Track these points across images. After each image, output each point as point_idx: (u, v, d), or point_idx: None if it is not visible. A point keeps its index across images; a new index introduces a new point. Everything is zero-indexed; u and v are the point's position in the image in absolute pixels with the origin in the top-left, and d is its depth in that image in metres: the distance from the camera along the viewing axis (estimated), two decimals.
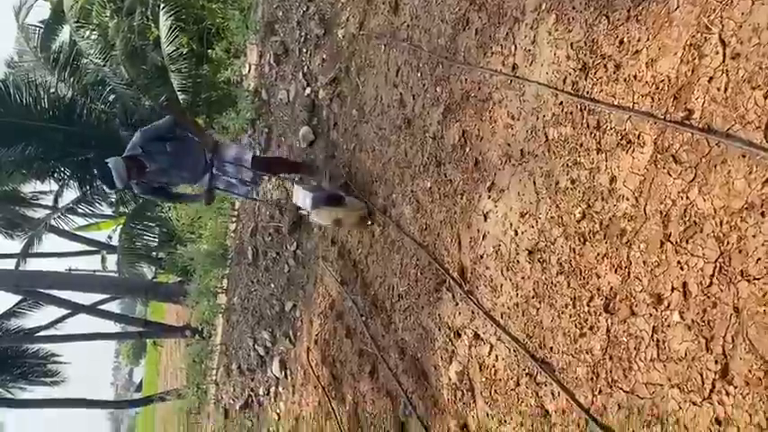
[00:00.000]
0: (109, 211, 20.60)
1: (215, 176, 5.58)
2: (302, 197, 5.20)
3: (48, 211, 15.35)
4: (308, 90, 6.59)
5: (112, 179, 4.86)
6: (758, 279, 1.89)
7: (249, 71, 9.17)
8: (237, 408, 8.23)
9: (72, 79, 12.11)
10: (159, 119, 5.56)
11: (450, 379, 3.55)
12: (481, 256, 3.43)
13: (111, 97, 12.12)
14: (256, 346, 7.58)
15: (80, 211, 14.58)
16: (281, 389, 6.93)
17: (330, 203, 5.03)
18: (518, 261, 3.09)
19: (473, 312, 3.42)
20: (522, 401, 2.93)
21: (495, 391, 3.11)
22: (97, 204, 14.83)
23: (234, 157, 5.62)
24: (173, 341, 19.95)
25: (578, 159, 2.74)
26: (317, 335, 6.02)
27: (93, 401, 18.40)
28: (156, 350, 27.52)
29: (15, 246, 16.06)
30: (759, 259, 1.89)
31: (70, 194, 14.36)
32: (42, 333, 16.91)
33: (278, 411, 6.95)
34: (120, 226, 14.61)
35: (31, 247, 15.02)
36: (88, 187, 13.57)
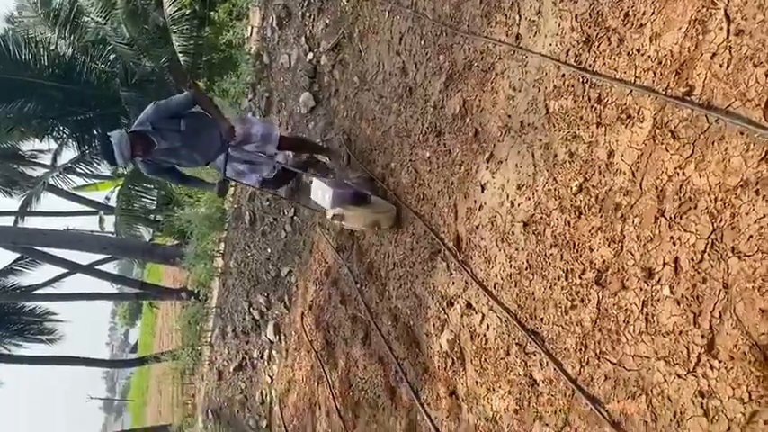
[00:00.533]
0: (107, 172, 20.57)
1: (229, 160, 5.03)
2: (321, 194, 4.56)
3: (46, 170, 15.32)
4: (309, 55, 6.53)
5: (113, 154, 4.41)
6: (749, 256, 1.91)
7: (251, 34, 9.07)
8: (231, 369, 8.33)
9: (72, 37, 11.99)
10: (165, 83, 5.28)
11: (441, 347, 3.59)
12: (477, 227, 3.44)
13: (112, 56, 12.02)
14: (251, 310, 7.65)
15: (78, 170, 14.56)
16: (274, 352, 7.01)
17: (355, 202, 4.49)
18: (513, 233, 3.10)
19: (466, 282, 3.44)
20: (510, 370, 2.97)
21: (485, 359, 3.16)
22: (96, 165, 14.77)
23: (262, 134, 5.10)
24: (169, 303, 20.12)
25: (577, 132, 2.74)
26: (311, 300, 6.08)
27: (89, 360, 18.63)
28: (151, 312, 27.78)
29: (13, 204, 16.07)
30: (751, 236, 1.91)
31: (69, 154, 14.34)
32: (39, 291, 17.04)
33: (271, 374, 7.05)
34: (119, 187, 14.61)
35: (29, 206, 15.01)
36: (87, 147, 13.53)
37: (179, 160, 4.97)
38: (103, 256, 19.63)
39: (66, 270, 16.46)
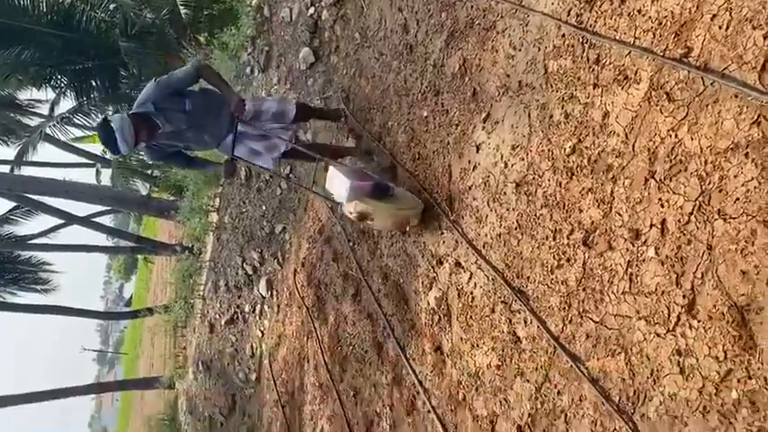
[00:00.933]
0: None
1: (239, 140, 4.43)
2: (337, 185, 3.89)
3: (43, 120, 15.21)
4: (311, 10, 6.43)
5: (116, 142, 3.85)
6: (734, 218, 1.92)
7: None
8: (223, 323, 8.42)
9: None
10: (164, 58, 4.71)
11: (428, 304, 3.63)
12: (470, 188, 3.45)
13: (112, 6, 11.82)
14: (245, 265, 7.69)
15: (76, 121, 14.45)
16: (266, 307, 7.08)
17: (376, 196, 3.84)
18: (505, 193, 3.11)
19: (456, 241, 3.47)
20: (495, 328, 3.01)
21: (471, 316, 3.20)
22: (93, 116, 14.66)
23: (274, 111, 4.54)
24: (164, 259, 20.20)
25: (574, 93, 2.73)
26: (304, 258, 6.11)
27: (83, 311, 18.77)
28: (146, 267, 27.90)
29: (9, 152, 15.99)
30: (737, 199, 1.92)
31: (67, 104, 14.21)
32: (35, 241, 17.08)
33: (262, 329, 7.13)
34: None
35: (26, 155, 14.94)
36: (85, 98, 13.41)
37: (187, 143, 4.43)
38: (100, 209, 19.65)
39: (62, 221, 16.47)
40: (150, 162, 4.46)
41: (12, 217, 16.07)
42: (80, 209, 16.67)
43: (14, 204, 15.40)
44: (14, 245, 16.35)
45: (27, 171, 16.31)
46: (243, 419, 7.42)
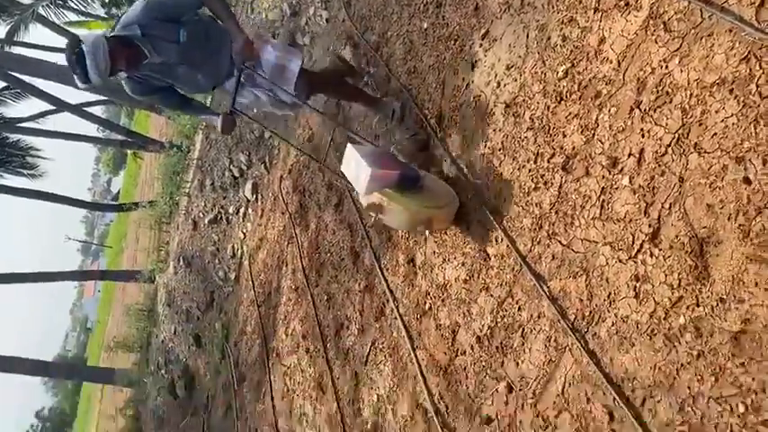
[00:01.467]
0: (101, 12, 19.79)
1: (242, 85, 3.58)
2: (354, 169, 3.03)
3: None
4: None
5: (85, 68, 3.07)
6: (708, 153, 1.95)
7: None
8: (206, 222, 8.51)
9: None
10: None
11: None
12: (460, 105, 3.44)
13: None
14: (232, 167, 7.70)
15: (71, 4, 14.00)
16: (250, 210, 7.15)
17: (403, 187, 3.06)
18: (494, 113, 3.11)
19: (440, 157, 3.49)
20: (467, 244, 3.08)
21: (445, 232, 3.26)
22: (90, 1, 14.21)
23: (275, 64, 3.55)
24: (153, 156, 20.09)
25: (575, 17, 2.69)
26: (291, 165, 6.13)
27: (70, 199, 18.78)
28: (135, 163, 27.77)
29: (0, 30, 15.53)
30: (715, 134, 1.94)
31: None
32: (24, 125, 16.86)
33: (244, 231, 7.22)
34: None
35: (17, 34, 14.54)
36: None
37: (175, 81, 3.63)
38: (92, 98, 19.34)
39: (53, 107, 16.21)
40: (133, 96, 3.35)
41: (1, 98, 15.81)
42: (72, 96, 16.41)
43: (4, 85, 15.10)
44: (2, 126, 16.15)
45: (18, 51, 15.91)
46: (219, 315, 7.64)
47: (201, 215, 8.81)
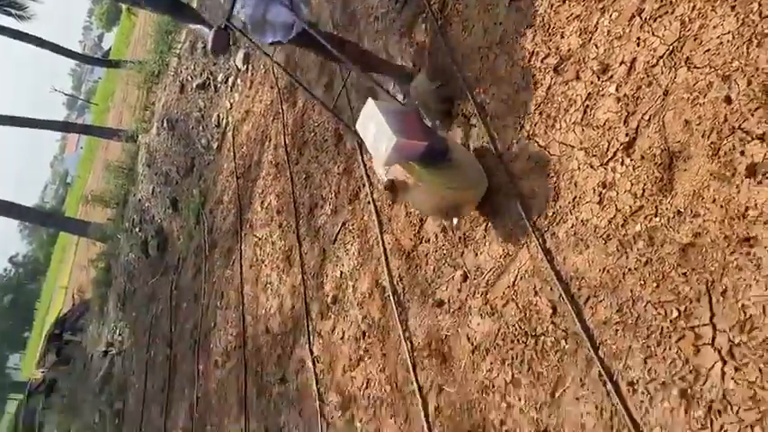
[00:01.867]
0: None
1: None
2: (374, 136, 2.58)
3: None
4: None
5: None
6: (698, 68, 1.94)
7: None
8: (194, 86, 8.36)
9: None
10: None
11: None
12: None
13: None
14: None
15: None
16: (239, 81, 7.02)
17: (428, 161, 2.61)
18: (497, 5, 3.03)
19: (438, 49, 3.42)
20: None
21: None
22: None
23: None
24: (147, 14, 19.34)
25: None
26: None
27: (59, 47, 18.23)
28: (129, 19, 26.77)
29: None
30: (708, 50, 1.92)
31: None
32: None
33: (231, 101, 7.13)
34: None
35: None
36: None
37: None
38: None
39: None
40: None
41: None
42: None
43: None
44: None
45: None
46: (198, 182, 7.68)
47: (190, 78, 8.63)
